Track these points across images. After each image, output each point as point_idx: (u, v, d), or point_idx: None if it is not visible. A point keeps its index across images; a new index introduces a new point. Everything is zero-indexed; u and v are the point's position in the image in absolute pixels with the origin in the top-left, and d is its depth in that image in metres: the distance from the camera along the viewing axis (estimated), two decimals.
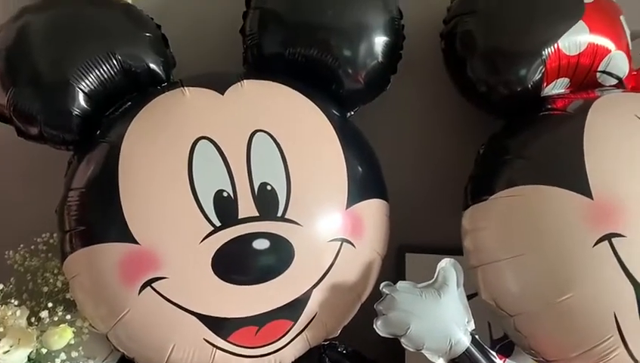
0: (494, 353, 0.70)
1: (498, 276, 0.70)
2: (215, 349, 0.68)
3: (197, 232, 0.66)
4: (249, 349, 0.69)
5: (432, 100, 0.89)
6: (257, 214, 0.67)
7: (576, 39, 0.73)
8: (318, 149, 0.72)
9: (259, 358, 0.70)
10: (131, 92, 0.73)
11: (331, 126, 0.73)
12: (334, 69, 0.74)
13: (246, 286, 0.67)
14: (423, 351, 0.67)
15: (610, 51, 0.75)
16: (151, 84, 0.74)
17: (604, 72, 0.76)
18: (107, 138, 0.70)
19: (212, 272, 0.66)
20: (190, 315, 0.67)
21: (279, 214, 0.68)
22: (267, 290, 0.67)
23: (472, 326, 0.68)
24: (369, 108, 0.82)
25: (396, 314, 0.67)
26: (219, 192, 0.67)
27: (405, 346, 0.67)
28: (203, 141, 0.68)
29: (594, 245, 0.64)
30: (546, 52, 0.72)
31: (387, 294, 0.68)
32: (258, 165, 0.68)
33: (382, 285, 0.69)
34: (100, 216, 0.68)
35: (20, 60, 0.70)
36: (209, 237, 0.66)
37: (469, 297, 0.70)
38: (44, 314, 0.70)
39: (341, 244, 0.70)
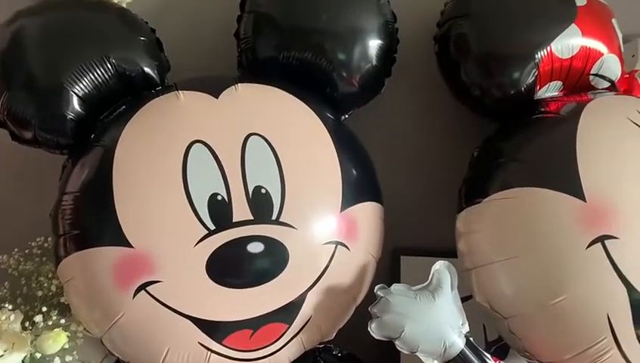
0: (488, 355, 0.70)
1: (492, 278, 0.70)
2: (209, 352, 0.68)
3: (191, 236, 0.66)
4: (243, 353, 0.69)
5: (426, 103, 0.90)
6: (252, 217, 0.67)
7: (569, 42, 0.73)
8: (313, 152, 0.72)
9: (254, 362, 0.70)
10: (125, 96, 0.73)
11: (326, 129, 0.73)
12: (329, 72, 0.75)
13: (241, 290, 0.67)
14: (417, 353, 0.67)
15: (602, 54, 0.75)
16: (146, 88, 0.74)
17: (596, 75, 0.76)
18: (102, 141, 0.70)
19: (207, 276, 0.66)
20: (184, 319, 0.67)
21: (273, 217, 0.68)
22: (262, 293, 0.67)
23: (466, 328, 0.68)
24: (363, 111, 0.83)
25: (391, 317, 0.67)
26: (214, 195, 0.67)
27: (399, 349, 0.67)
28: (198, 144, 0.68)
29: (588, 247, 0.65)
30: (539, 55, 0.72)
31: (382, 297, 0.68)
32: (252, 169, 0.68)
33: (376, 288, 0.69)
34: (94, 220, 0.68)
35: (14, 64, 0.70)
36: (204, 241, 0.66)
37: (464, 299, 0.70)
38: (38, 318, 0.70)
39: (336, 247, 0.70)
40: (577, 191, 0.66)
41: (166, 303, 0.66)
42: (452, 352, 0.67)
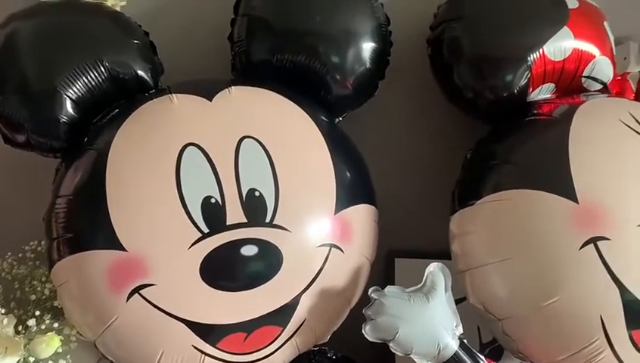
0: (482, 357, 0.70)
1: (486, 280, 0.70)
2: (203, 355, 0.68)
3: (184, 239, 0.66)
4: (238, 356, 0.69)
5: (420, 105, 0.90)
6: (245, 220, 0.67)
7: (561, 45, 0.74)
8: (307, 155, 0.72)
9: None
10: (119, 99, 0.73)
11: (319, 132, 0.74)
12: (322, 75, 0.75)
13: (235, 293, 0.67)
14: (411, 355, 0.67)
15: (594, 57, 0.76)
16: (139, 91, 0.74)
17: (588, 77, 0.77)
18: (95, 145, 0.70)
19: (201, 279, 0.66)
20: (178, 322, 0.66)
21: (267, 220, 0.68)
22: (255, 296, 0.67)
23: (460, 330, 0.68)
24: (357, 114, 0.83)
25: (385, 319, 0.67)
26: (207, 198, 0.67)
27: (393, 351, 0.67)
28: (191, 147, 0.68)
29: (580, 248, 0.65)
30: (532, 58, 0.73)
31: (376, 299, 0.68)
32: (246, 172, 0.68)
33: (370, 290, 0.69)
34: (87, 223, 0.68)
35: (7, 68, 0.70)
36: (197, 244, 0.66)
37: (458, 301, 0.70)
38: (31, 322, 0.70)
39: (330, 250, 0.70)
40: (570, 193, 0.66)
41: (160, 306, 0.66)
42: (446, 354, 0.67)
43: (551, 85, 0.76)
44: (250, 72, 0.76)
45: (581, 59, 0.75)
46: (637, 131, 0.70)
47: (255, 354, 0.70)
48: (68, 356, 0.71)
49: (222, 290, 0.67)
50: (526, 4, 0.76)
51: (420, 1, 0.85)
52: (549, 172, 0.68)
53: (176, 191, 0.66)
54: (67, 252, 0.68)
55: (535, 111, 0.75)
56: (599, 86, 0.78)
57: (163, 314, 0.66)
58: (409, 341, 0.66)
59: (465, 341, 0.69)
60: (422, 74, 0.83)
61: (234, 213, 0.67)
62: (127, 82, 0.72)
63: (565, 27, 0.74)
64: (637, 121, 0.71)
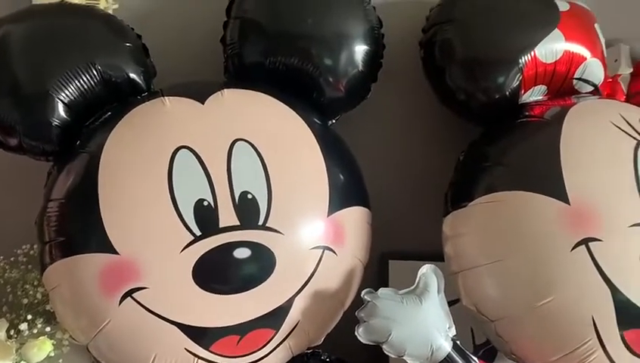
0: (475, 359, 0.70)
1: (479, 281, 0.71)
2: (196, 358, 0.68)
3: (177, 242, 0.66)
4: (231, 359, 0.69)
5: (412, 108, 0.90)
6: (238, 223, 0.67)
7: (553, 47, 0.74)
8: (299, 157, 0.72)
9: None
10: (111, 102, 0.73)
11: (312, 134, 0.74)
12: (315, 77, 0.75)
13: (228, 296, 0.67)
14: (405, 357, 0.67)
15: (585, 59, 0.76)
16: (131, 94, 0.73)
17: (580, 79, 0.77)
18: (87, 148, 0.70)
19: (193, 282, 0.66)
20: (171, 325, 0.66)
21: (260, 222, 0.68)
22: (248, 299, 0.67)
23: (453, 332, 0.69)
24: (350, 116, 0.83)
25: (378, 321, 0.67)
26: (200, 201, 0.67)
27: (387, 353, 0.67)
28: (183, 150, 0.68)
29: (572, 249, 0.65)
30: (523, 60, 0.73)
31: (369, 301, 0.68)
32: (238, 174, 0.68)
33: (363, 292, 0.69)
34: (79, 227, 0.67)
35: None
36: (190, 247, 0.66)
37: (451, 303, 0.71)
38: (23, 326, 0.70)
39: (323, 252, 0.70)
40: (561, 194, 0.66)
41: (153, 310, 0.66)
42: (439, 356, 0.67)
43: (543, 87, 0.77)
44: (242, 74, 0.76)
45: (572, 61, 0.76)
46: (628, 133, 0.71)
47: (248, 357, 0.69)
48: (60, 360, 0.71)
49: (215, 292, 0.66)
50: (517, 7, 0.76)
51: (412, 3, 0.86)
52: (541, 174, 0.69)
53: (169, 194, 0.66)
54: (59, 255, 0.68)
55: (527, 113, 0.76)
56: (590, 88, 0.78)
57: (156, 317, 0.66)
58: (402, 343, 0.66)
59: (458, 343, 0.69)
60: (415, 76, 0.84)
61: (227, 216, 0.67)
62: (119, 84, 0.72)
63: (556, 29, 0.74)
64: (628, 123, 0.72)
